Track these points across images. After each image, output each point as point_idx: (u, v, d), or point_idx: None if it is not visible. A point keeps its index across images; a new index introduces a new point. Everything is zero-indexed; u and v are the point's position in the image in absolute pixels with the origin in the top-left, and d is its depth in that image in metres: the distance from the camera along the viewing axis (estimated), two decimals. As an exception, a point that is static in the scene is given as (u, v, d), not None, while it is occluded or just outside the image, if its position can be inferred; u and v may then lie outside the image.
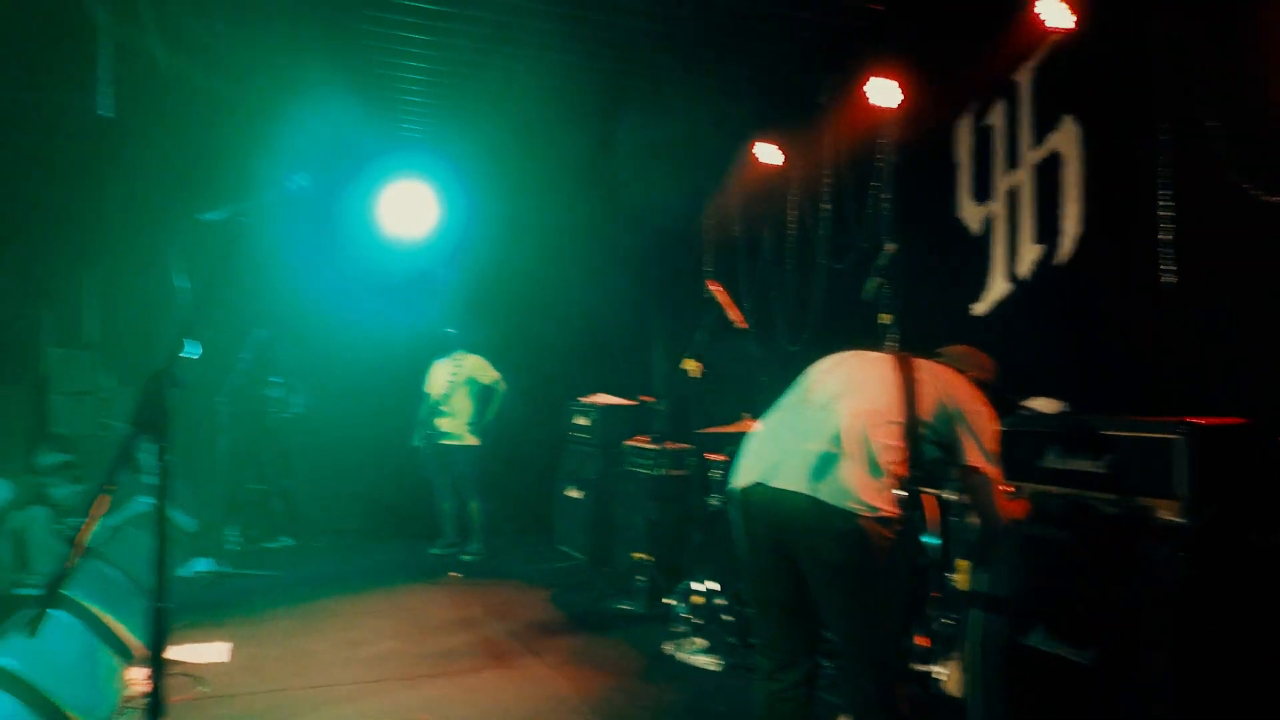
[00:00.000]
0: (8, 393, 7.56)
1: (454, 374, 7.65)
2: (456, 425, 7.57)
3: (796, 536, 2.75)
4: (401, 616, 5.72)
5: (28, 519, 6.20)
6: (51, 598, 3.98)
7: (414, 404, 7.75)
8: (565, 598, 6.32)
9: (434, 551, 7.67)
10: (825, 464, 2.71)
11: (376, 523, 8.60)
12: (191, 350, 2.18)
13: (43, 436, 6.84)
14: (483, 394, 7.68)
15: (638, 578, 6.04)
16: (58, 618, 3.81)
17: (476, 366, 7.70)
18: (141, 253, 8.14)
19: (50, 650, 3.43)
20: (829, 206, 6.62)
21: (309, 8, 5.98)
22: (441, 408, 7.59)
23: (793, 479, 2.75)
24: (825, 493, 2.67)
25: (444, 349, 7.77)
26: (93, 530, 5.73)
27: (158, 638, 2.12)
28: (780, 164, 7.12)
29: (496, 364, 7.74)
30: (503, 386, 7.68)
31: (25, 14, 5.76)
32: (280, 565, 7.18)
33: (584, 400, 7.77)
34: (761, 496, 2.82)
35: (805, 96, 6.75)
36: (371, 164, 8.00)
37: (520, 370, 8.05)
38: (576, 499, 7.63)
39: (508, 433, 7.99)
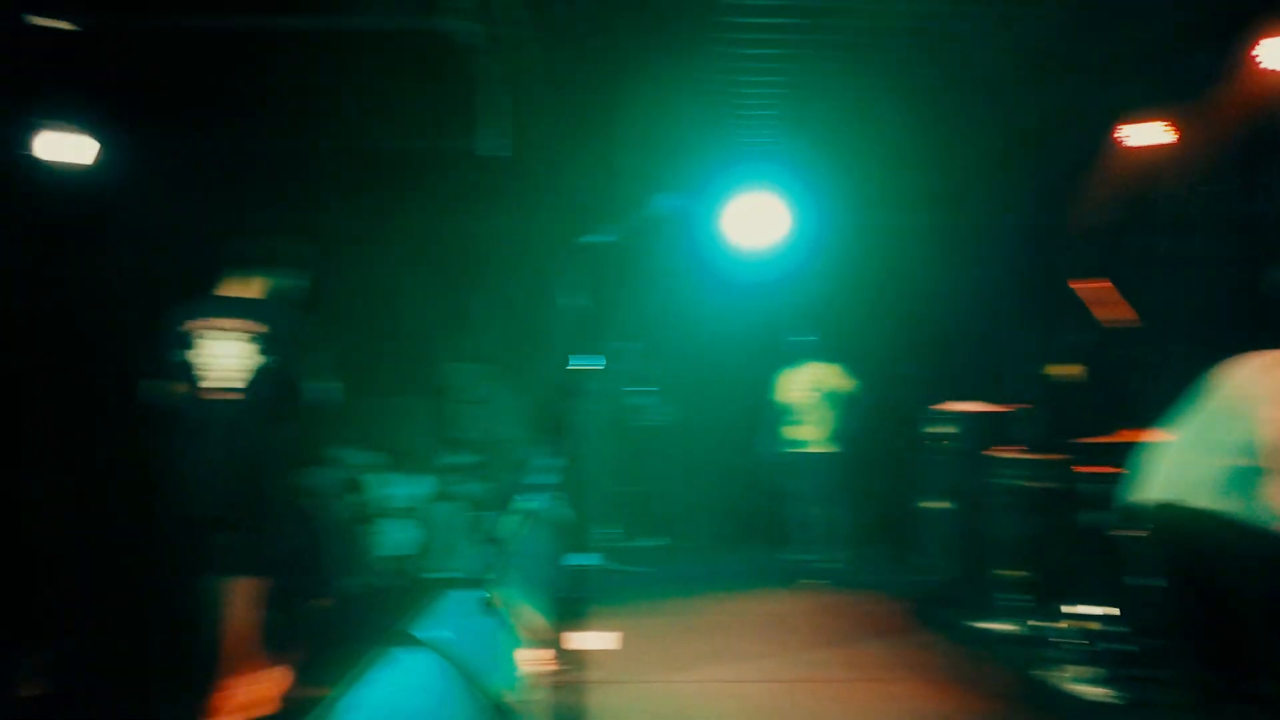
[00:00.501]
0: (419, 402, 8.67)
1: (809, 382, 7.65)
2: (813, 433, 7.56)
3: (1216, 560, 2.42)
4: (767, 621, 5.79)
5: (439, 511, 7.08)
6: (475, 582, 4.49)
7: (765, 412, 7.85)
8: (930, 612, 6.06)
9: (793, 558, 7.70)
10: (1244, 480, 2.37)
11: (737, 527, 8.83)
12: (589, 362, 2.35)
13: (448, 440, 7.78)
14: (838, 401, 7.61)
15: (1008, 595, 5.64)
16: (470, 599, 4.29)
17: (831, 374, 7.65)
18: (524, 277, 9.01)
19: (465, 626, 3.86)
20: (1214, 188, 5.79)
21: (661, 32, 6.27)
22: (797, 416, 7.62)
23: (1207, 497, 2.43)
24: (1247, 512, 2.33)
25: (795, 358, 7.80)
26: (505, 524, 6.41)
27: (560, 624, 2.28)
28: (1154, 146, 6.38)
29: (847, 370, 7.66)
30: (857, 393, 7.58)
31: (415, 66, 6.59)
32: (653, 563, 7.60)
33: (947, 406, 7.42)
34: (1172, 516, 2.52)
35: (1186, 70, 5.99)
36: (721, 176, 8.24)
37: (869, 376, 7.88)
38: (939, 510, 7.29)
39: (859, 440, 7.84)
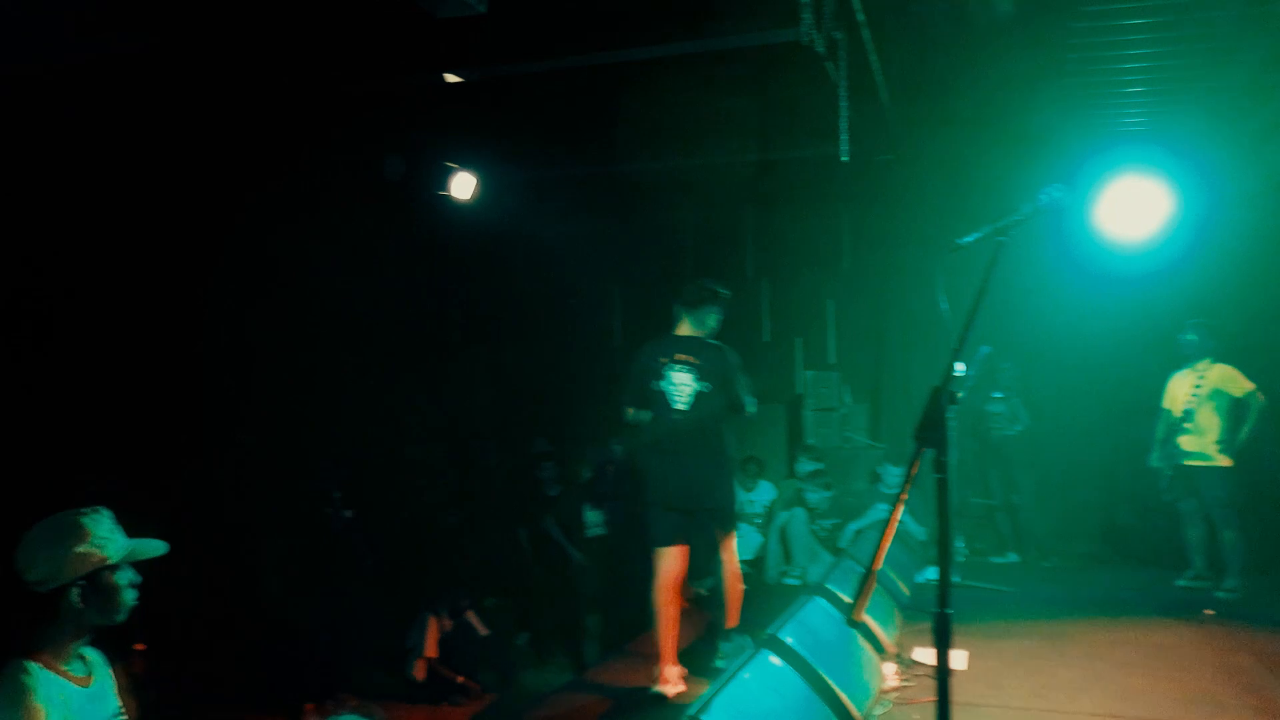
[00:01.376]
0: (773, 411, 8.87)
1: (1197, 386, 6.77)
2: (1203, 444, 6.69)
3: None
4: (1151, 652, 5.24)
5: (790, 518, 7.19)
6: (826, 592, 4.54)
7: (1148, 419, 7.07)
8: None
9: (1181, 584, 6.88)
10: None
11: (1109, 547, 8.07)
12: (958, 367, 2.30)
13: (800, 447, 7.88)
14: (1234, 408, 6.66)
15: None
16: (824, 608, 4.34)
17: (1225, 377, 6.71)
18: (869, 282, 8.92)
19: (819, 635, 3.92)
20: None
21: (1023, 23, 5.92)
22: (1184, 424, 6.78)
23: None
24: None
25: (1184, 359, 6.94)
26: (856, 533, 6.39)
27: (913, 639, 2.24)
28: None
29: (1248, 373, 6.66)
30: (1260, 399, 6.58)
31: (774, 83, 6.75)
32: (1007, 581, 7.11)
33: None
34: None
35: None
36: (1093, 162, 7.57)
37: (1269, 378, 6.79)
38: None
39: (1258, 451, 6.80)
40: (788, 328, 9.30)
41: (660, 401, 4.65)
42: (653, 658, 4.72)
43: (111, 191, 6.94)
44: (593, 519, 7.10)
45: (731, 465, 4.91)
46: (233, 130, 7.58)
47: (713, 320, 4.80)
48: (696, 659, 5.10)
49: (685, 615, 5.52)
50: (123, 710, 2.48)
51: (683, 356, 4.65)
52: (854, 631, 4.24)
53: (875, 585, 4.88)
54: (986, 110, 6.91)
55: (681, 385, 4.62)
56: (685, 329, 4.78)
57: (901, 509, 2.50)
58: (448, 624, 6.61)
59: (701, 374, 4.62)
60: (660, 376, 4.65)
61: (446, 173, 8.12)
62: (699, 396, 4.61)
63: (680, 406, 4.62)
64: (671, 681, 4.61)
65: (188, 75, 6.29)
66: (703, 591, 6.90)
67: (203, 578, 7.58)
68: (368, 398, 10.31)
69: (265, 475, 8.24)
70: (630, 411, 4.76)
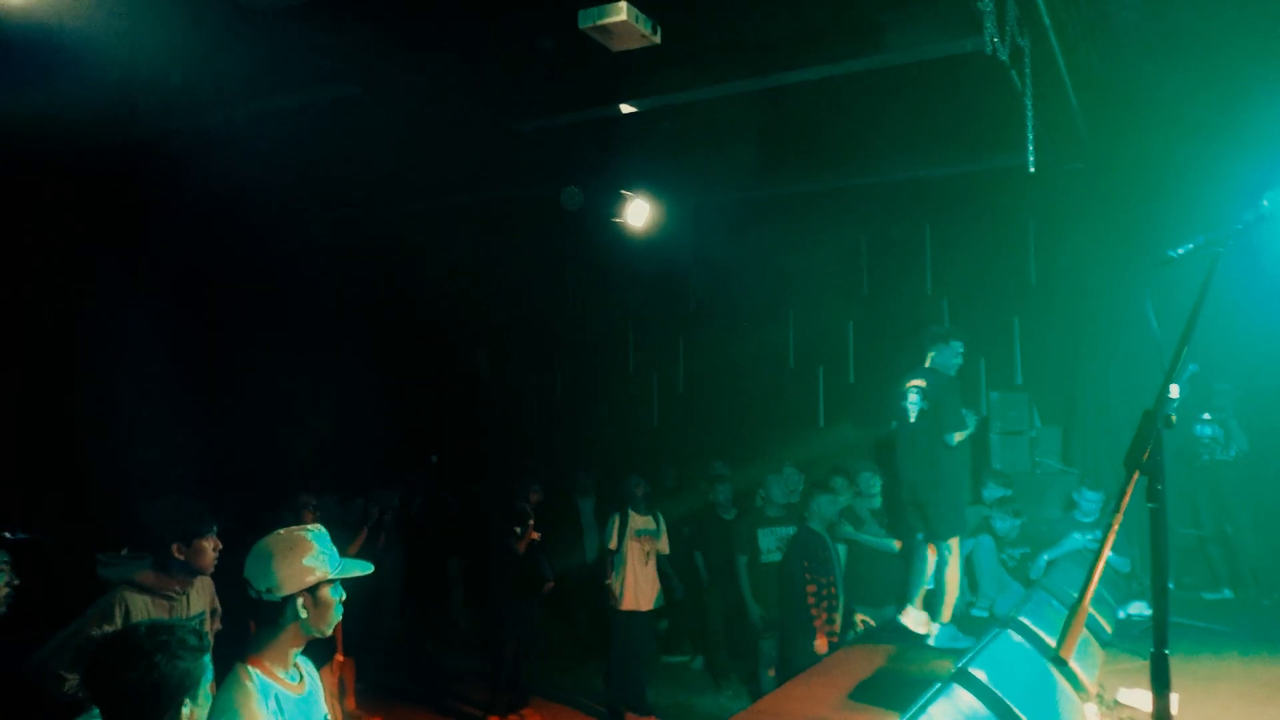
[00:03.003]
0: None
1: None
2: None
3: None
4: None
5: (977, 546, 6.86)
6: (1017, 624, 4.29)
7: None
8: None
9: None
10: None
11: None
12: (1177, 390, 2.12)
13: (986, 472, 7.51)
14: None
15: None
16: (1014, 641, 4.09)
17: None
18: (1059, 297, 8.45)
19: (1014, 671, 3.70)
20: None
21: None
22: None
23: None
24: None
25: None
26: (1049, 563, 6.06)
27: (1158, 684, 2.06)
28: None
29: None
30: None
31: (956, 94, 6.54)
32: (1222, 619, 6.48)
33: None
34: None
35: None
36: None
37: None
38: None
39: None
40: (971, 347, 8.93)
41: (901, 419, 5.98)
42: (831, 685, 4.61)
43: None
44: (767, 544, 7.02)
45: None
46: (423, 170, 8.09)
47: (943, 355, 6.03)
48: (879, 690, 4.94)
49: (861, 651, 5.43)
50: (329, 716, 2.63)
51: (916, 382, 5.87)
52: (1051, 669, 3.97)
53: (1084, 621, 4.60)
54: (1190, 109, 6.43)
55: (910, 405, 5.90)
56: (928, 358, 5.95)
57: (1101, 538, 2.32)
58: None
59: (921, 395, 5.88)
60: (904, 398, 5.96)
61: (622, 200, 8.30)
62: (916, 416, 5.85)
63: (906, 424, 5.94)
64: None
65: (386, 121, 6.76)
66: (870, 622, 6.70)
67: (400, 593, 8.11)
68: (555, 423, 10.82)
69: (464, 503, 8.93)
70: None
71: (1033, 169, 5.79)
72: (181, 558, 3.68)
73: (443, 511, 9.21)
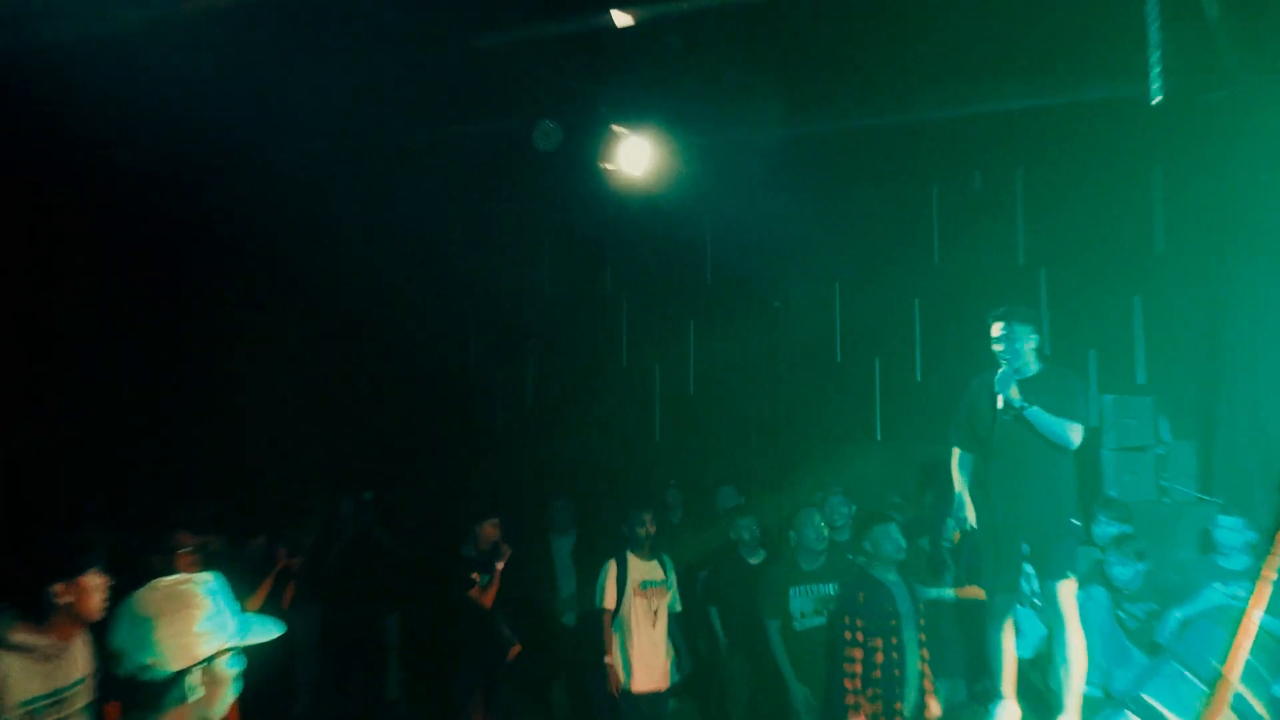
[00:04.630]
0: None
1: None
2: None
3: None
4: None
5: (1086, 600, 6.84)
6: (1141, 705, 4.29)
7: None
8: None
9: None
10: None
11: None
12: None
13: (1098, 503, 7.49)
14: None
15: None
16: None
17: None
18: (1194, 271, 8.45)
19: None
20: None
21: None
22: None
23: None
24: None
25: None
26: (1179, 624, 6.07)
27: None
28: None
29: None
30: None
31: (1056, 6, 6.53)
32: None
33: None
34: None
35: None
36: None
37: None
38: None
39: None
40: (1076, 336, 8.96)
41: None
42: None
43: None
44: (802, 605, 7.01)
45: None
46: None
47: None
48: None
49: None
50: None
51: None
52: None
53: (1196, 690, 4.60)
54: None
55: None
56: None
57: (1266, 593, 2.31)
58: None
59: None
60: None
61: (613, 140, 8.25)
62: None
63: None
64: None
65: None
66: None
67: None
68: (524, 436, 10.86)
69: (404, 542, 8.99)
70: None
71: (1158, 99, 5.78)
72: (64, 601, 3.68)
73: (375, 554, 9.20)
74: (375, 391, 11.33)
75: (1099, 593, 6.84)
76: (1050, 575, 5.81)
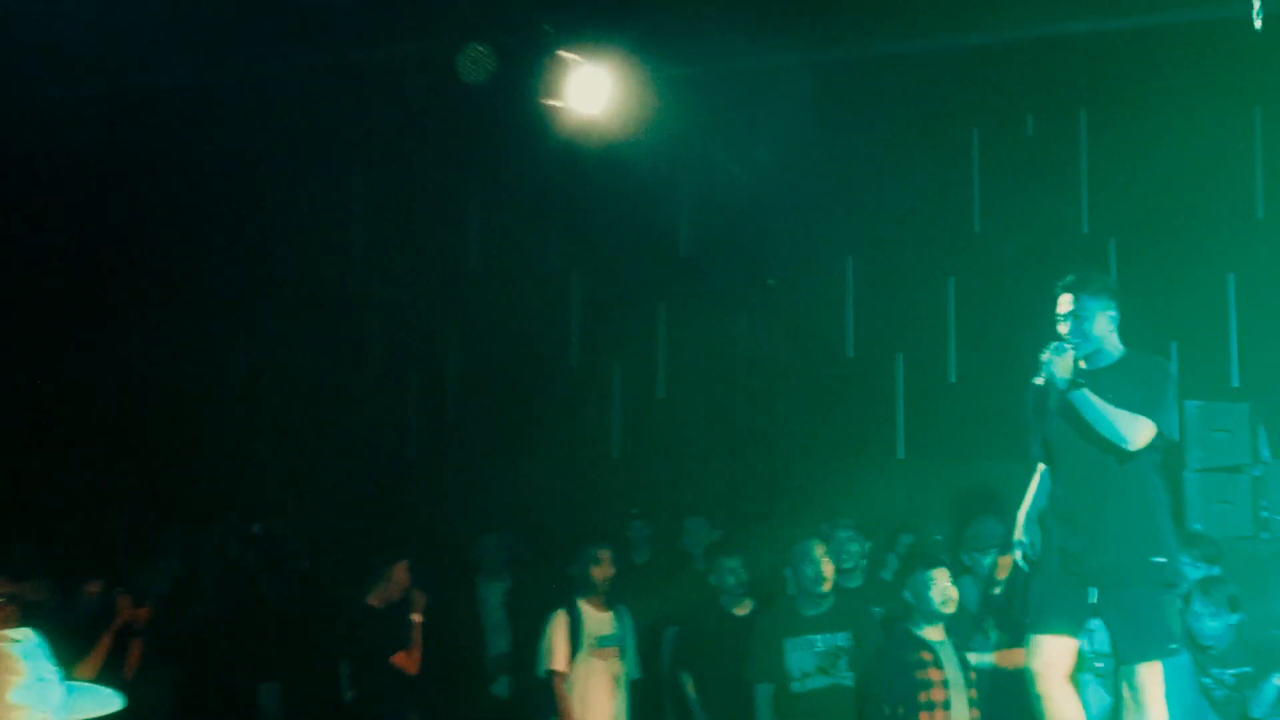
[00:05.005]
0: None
1: None
2: None
3: None
4: None
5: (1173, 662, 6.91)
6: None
7: None
8: None
9: None
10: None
11: None
12: None
13: (1184, 536, 7.54)
14: None
15: None
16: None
17: None
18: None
19: None
20: None
21: None
22: None
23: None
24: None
25: None
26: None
27: None
28: None
29: None
30: None
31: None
32: None
33: None
34: None
35: None
36: None
37: None
38: None
39: None
40: (1154, 324, 8.98)
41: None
42: None
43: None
44: (801, 663, 7.03)
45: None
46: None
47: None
48: None
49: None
50: None
51: None
52: None
53: None
54: None
55: None
56: None
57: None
58: None
59: None
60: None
61: (560, 68, 8.22)
62: None
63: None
64: None
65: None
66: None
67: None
68: (443, 454, 10.84)
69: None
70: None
71: (1259, 22, 5.81)
72: None
73: (248, 603, 9.14)
74: (250, 395, 11.26)
75: (1196, 648, 6.91)
76: (1130, 651, 5.54)
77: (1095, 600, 5.56)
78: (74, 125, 9.47)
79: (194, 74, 9.30)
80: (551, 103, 8.22)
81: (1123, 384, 5.51)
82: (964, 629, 7.12)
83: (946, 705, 6.33)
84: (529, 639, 7.47)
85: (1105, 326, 5.69)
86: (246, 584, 9.23)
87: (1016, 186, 9.43)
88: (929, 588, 6.48)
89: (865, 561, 7.58)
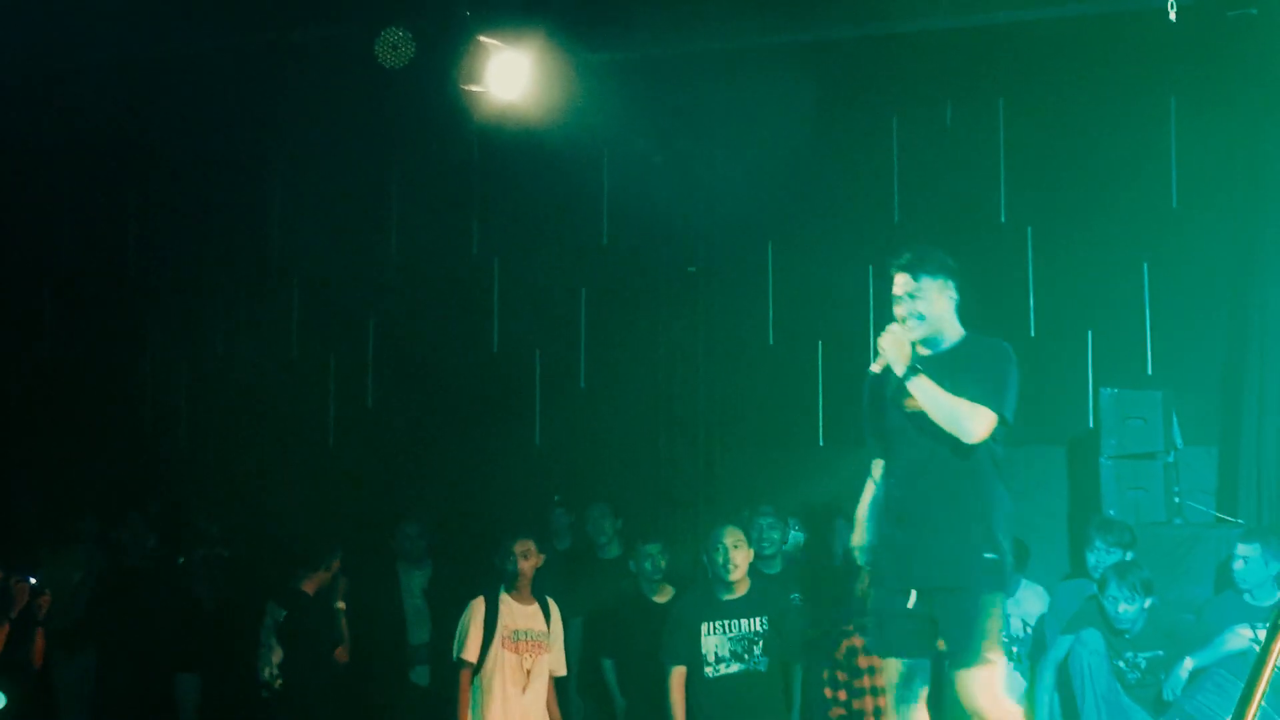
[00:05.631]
0: (1044, 455, 8.63)
1: None
2: None
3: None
4: None
5: (1077, 646, 6.97)
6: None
7: None
8: None
9: None
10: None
11: None
12: None
13: (1094, 524, 7.62)
14: None
15: None
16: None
17: None
18: (1220, 229, 8.60)
19: None
20: None
21: None
22: None
23: None
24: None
25: None
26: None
27: None
28: None
29: None
30: None
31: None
32: None
33: None
34: None
35: None
36: None
37: None
38: None
39: None
40: (1068, 313, 9.09)
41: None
42: None
43: None
44: (717, 647, 7.02)
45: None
46: None
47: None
48: None
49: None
50: None
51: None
52: None
53: None
54: None
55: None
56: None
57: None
58: None
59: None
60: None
61: (479, 52, 8.16)
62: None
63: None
64: None
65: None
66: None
67: None
68: (366, 438, 10.77)
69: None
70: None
71: (1174, 14, 5.83)
72: None
73: (164, 590, 9.02)
74: (167, 382, 11.12)
75: (1093, 637, 6.96)
76: (956, 656, 5.08)
77: (913, 605, 5.09)
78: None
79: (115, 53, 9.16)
80: (471, 88, 8.16)
81: (962, 370, 5.13)
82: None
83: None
84: (447, 627, 7.40)
85: (944, 308, 5.25)
86: (153, 564, 9.11)
87: (935, 175, 9.50)
88: None
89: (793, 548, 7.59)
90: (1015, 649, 7.45)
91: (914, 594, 5.05)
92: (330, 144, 10.17)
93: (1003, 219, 9.27)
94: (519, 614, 7.20)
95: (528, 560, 7.21)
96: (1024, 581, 7.69)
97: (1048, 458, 8.87)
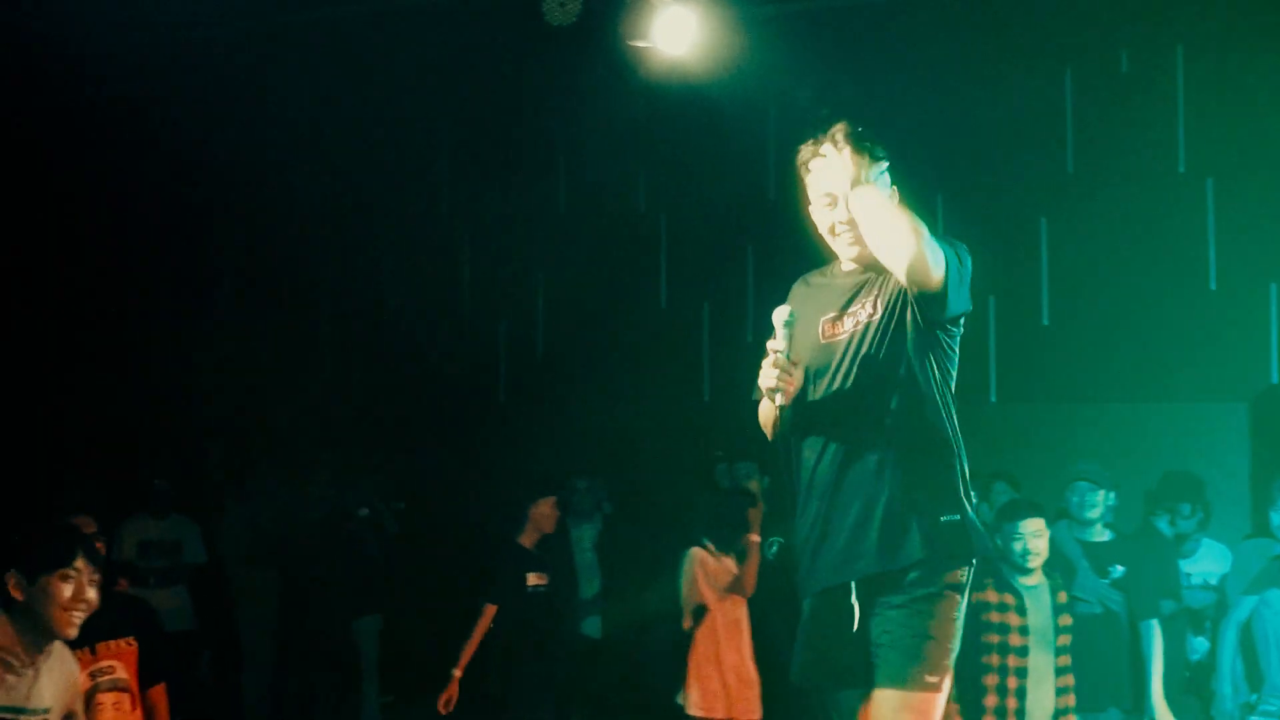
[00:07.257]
0: (1226, 411, 8.49)
1: None
2: None
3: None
4: None
5: (1261, 607, 6.82)
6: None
7: None
8: None
9: None
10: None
11: None
12: None
13: (1279, 481, 7.44)
14: None
15: None
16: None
17: None
18: None
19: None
20: None
21: None
22: None
23: None
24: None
25: None
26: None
27: None
28: None
29: None
30: None
31: None
32: None
33: None
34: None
35: None
36: None
37: None
38: None
39: None
40: (1251, 262, 8.87)
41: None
42: None
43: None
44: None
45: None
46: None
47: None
48: None
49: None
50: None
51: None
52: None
53: None
54: None
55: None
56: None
57: None
58: None
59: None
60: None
61: (647, 9, 8.17)
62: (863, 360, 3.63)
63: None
64: None
65: None
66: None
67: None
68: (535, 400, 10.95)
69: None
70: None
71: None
72: (24, 599, 3.70)
73: (359, 541, 9.29)
74: (337, 347, 11.44)
75: (1277, 598, 6.81)
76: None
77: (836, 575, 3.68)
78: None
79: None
80: (638, 44, 8.18)
81: None
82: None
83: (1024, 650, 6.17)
84: (621, 581, 7.45)
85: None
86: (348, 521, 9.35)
87: (1111, 125, 9.41)
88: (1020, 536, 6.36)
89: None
90: (1201, 608, 7.35)
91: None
92: (499, 102, 10.31)
93: (1181, 169, 9.08)
94: (719, 567, 6.90)
95: (730, 512, 7.00)
96: (1204, 541, 7.57)
97: (1229, 414, 8.76)
